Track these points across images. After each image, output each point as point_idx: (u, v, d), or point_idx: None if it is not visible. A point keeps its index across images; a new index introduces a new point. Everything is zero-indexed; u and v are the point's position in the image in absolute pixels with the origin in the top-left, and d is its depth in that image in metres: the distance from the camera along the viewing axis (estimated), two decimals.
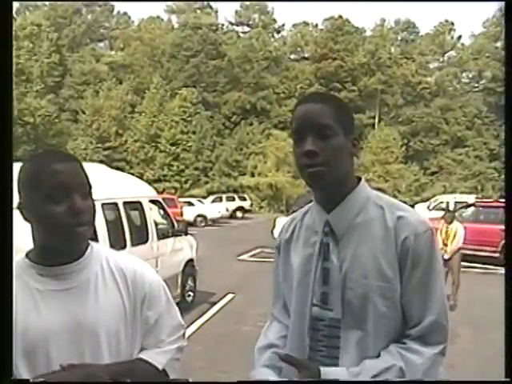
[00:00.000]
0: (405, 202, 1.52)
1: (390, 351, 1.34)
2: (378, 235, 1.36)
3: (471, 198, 21.95)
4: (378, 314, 1.35)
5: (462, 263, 10.76)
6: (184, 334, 1.58)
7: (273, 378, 1.47)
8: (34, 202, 1.30)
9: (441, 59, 58.03)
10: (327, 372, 1.32)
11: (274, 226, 13.41)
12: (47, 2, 57.24)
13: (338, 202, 1.41)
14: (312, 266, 1.43)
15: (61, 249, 1.34)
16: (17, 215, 1.35)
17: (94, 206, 1.36)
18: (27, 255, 1.40)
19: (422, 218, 1.42)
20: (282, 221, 12.43)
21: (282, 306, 1.58)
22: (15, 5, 56.50)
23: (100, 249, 1.46)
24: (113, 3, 62.66)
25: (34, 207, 1.30)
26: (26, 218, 1.34)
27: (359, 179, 1.46)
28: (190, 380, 1.69)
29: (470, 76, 56.63)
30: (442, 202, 23.37)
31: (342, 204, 1.41)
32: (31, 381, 1.26)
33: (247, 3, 57.94)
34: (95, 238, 1.26)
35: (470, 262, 12.09)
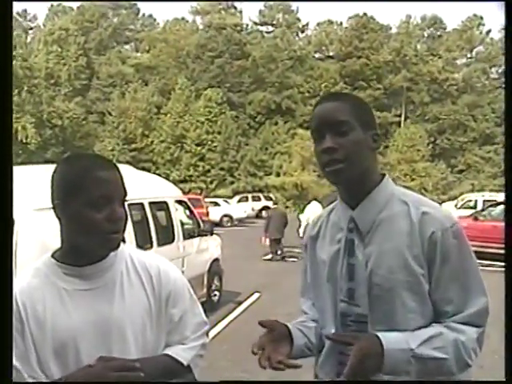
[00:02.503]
0: (432, 201, 1.50)
1: (433, 325, 1.34)
2: (402, 231, 1.36)
3: (501, 196, 21.50)
4: (407, 309, 1.35)
5: (494, 262, 10.51)
6: (207, 332, 1.60)
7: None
8: (74, 206, 1.32)
9: (469, 55, 56.99)
10: (387, 337, 1.28)
11: (299, 225, 13.40)
12: (75, 7, 58.24)
13: (362, 198, 1.42)
14: (338, 263, 1.44)
15: (92, 252, 1.37)
16: (49, 216, 1.37)
17: (126, 212, 1.39)
18: (53, 255, 1.42)
19: (447, 212, 1.42)
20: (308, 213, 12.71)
21: (312, 303, 1.60)
22: (45, 11, 57.62)
23: (124, 248, 1.48)
24: (139, 6, 63.44)
25: (73, 210, 1.32)
26: (58, 218, 1.37)
27: (383, 176, 1.46)
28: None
29: (500, 71, 55.47)
30: (470, 201, 22.90)
31: (366, 200, 1.41)
32: (30, 381, 1.28)
33: (271, 3, 57.86)
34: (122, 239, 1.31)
35: (501, 261, 11.82)
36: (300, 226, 13.20)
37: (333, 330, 1.43)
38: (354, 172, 1.37)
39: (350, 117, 1.38)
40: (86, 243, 1.34)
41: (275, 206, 14.97)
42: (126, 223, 1.39)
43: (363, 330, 1.37)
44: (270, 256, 13.56)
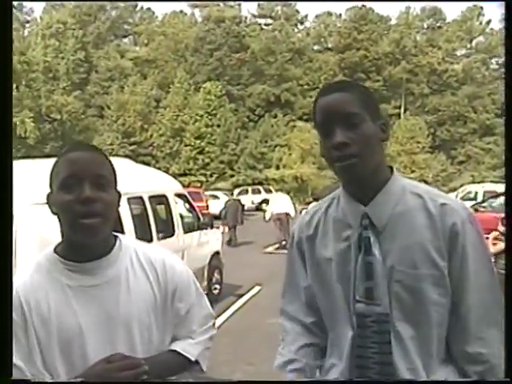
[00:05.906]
0: None
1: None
2: (422, 224, 1.32)
3: (501, 187, 21.46)
4: (431, 303, 1.31)
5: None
6: (214, 323, 1.59)
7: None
8: (53, 192, 1.32)
9: (468, 46, 56.82)
10: None
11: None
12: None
13: (375, 193, 1.36)
14: (350, 262, 1.37)
15: (81, 244, 1.32)
16: (47, 210, 1.36)
17: (112, 198, 1.33)
18: (55, 250, 1.38)
19: (462, 203, 1.41)
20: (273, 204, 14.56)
21: (303, 304, 1.52)
22: (42, 4, 57.33)
23: (128, 241, 1.45)
24: None
25: (53, 197, 1.32)
26: (52, 211, 1.35)
27: (391, 168, 1.41)
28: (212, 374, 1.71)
29: (500, 62, 55.26)
30: (469, 192, 22.83)
31: (380, 195, 1.35)
32: (31, 381, 1.25)
33: None
34: (122, 233, 1.27)
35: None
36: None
37: (350, 332, 1.37)
38: (367, 166, 1.31)
39: (359, 108, 1.31)
40: (68, 231, 1.30)
41: (231, 197, 16.47)
42: (109, 209, 1.31)
43: (385, 330, 1.33)
44: (270, 248, 13.74)
